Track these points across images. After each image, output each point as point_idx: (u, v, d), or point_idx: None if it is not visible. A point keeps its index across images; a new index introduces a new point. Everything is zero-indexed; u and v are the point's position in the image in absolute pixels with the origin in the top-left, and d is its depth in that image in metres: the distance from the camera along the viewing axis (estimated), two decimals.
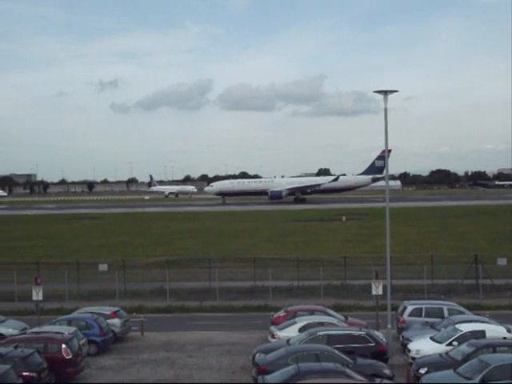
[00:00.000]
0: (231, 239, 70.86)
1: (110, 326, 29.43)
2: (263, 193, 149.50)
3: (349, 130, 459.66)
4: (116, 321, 30.41)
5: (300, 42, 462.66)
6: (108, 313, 30.66)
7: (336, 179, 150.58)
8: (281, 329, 27.80)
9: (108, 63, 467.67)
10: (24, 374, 21.26)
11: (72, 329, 26.73)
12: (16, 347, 22.79)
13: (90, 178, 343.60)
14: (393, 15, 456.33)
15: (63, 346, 23.82)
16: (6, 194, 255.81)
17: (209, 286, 41.04)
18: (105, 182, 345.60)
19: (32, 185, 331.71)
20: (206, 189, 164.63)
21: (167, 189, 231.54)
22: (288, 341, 25.05)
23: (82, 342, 26.08)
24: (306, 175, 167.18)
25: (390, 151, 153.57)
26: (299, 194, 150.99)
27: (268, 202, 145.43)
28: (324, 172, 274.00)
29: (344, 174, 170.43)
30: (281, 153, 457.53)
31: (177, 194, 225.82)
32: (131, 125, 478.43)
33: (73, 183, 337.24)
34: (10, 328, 29.88)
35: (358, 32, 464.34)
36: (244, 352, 27.67)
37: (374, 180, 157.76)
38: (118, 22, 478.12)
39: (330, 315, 29.32)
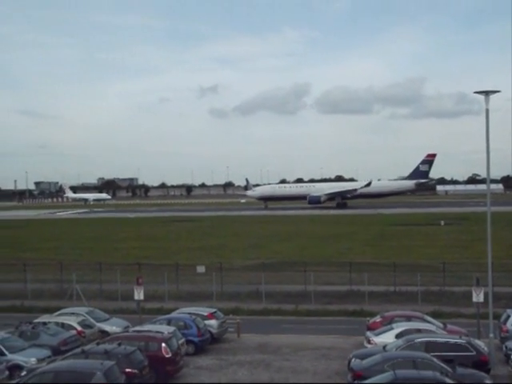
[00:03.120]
0: (326, 243, 70.56)
1: (207, 327, 30.10)
2: (304, 197, 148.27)
3: (449, 132, 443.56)
4: (213, 322, 31.04)
5: (399, 44, 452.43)
6: (205, 314, 31.36)
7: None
8: (377, 334, 27.43)
9: (208, 69, 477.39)
10: (127, 370, 22.06)
11: (171, 328, 27.56)
12: (119, 344, 23.65)
13: (188, 181, 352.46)
14: (496, 13, 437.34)
15: (163, 344, 24.59)
16: (110, 197, 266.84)
17: (304, 289, 41.07)
18: (202, 185, 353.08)
19: (134, 188, 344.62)
20: (249, 193, 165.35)
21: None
22: (384, 347, 24.67)
23: (180, 341, 26.85)
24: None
25: (434, 156, 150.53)
26: (339, 199, 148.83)
27: (310, 206, 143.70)
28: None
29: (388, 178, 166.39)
30: (377, 156, 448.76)
31: None
32: (229, 129, 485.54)
33: (172, 187, 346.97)
34: (113, 326, 31.31)
35: (459, 31, 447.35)
36: (339, 357, 27.49)
37: (418, 185, 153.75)
38: (216, 28, 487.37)
39: (428, 322, 28.64)
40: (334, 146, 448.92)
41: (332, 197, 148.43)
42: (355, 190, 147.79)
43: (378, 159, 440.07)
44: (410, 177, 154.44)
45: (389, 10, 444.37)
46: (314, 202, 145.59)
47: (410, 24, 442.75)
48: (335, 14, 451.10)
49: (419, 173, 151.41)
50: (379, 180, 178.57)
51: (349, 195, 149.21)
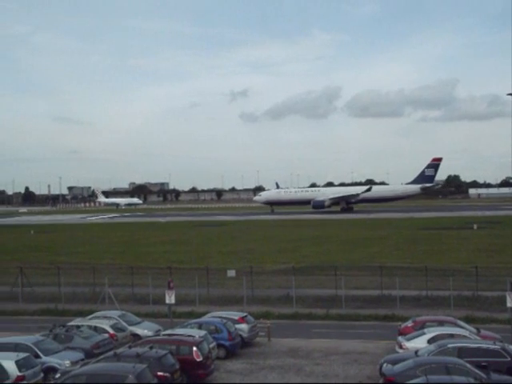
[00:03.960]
0: (355, 247, 70.21)
1: (238, 331, 30.16)
2: (309, 202, 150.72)
3: (481, 135, 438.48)
4: (244, 326, 31.09)
5: (430, 46, 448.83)
6: (236, 318, 31.42)
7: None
8: (409, 339, 27.18)
9: (238, 73, 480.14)
10: (158, 373, 22.23)
11: (202, 332, 27.69)
12: (151, 348, 23.82)
13: (218, 186, 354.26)
14: None
15: (194, 348, 24.70)
16: (141, 201, 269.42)
17: (335, 293, 40.89)
18: (232, 189, 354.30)
19: (165, 193, 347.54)
20: (256, 198, 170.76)
21: None
22: (416, 352, 24.44)
23: (211, 345, 26.95)
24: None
25: (440, 160, 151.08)
26: (344, 204, 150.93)
27: (315, 211, 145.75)
28: (454, 179, 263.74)
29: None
30: (409, 159, 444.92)
31: None
32: (259, 133, 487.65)
33: (202, 191, 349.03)
34: (145, 329, 31.55)
35: (491, 33, 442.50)
36: (371, 361, 27.31)
37: (423, 189, 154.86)
38: (247, 33, 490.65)
39: (460, 327, 28.26)
40: (365, 149, 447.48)
41: (336, 201, 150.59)
42: (357, 194, 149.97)
43: (409, 162, 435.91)
44: (416, 181, 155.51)
45: (418, 12, 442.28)
46: (318, 206, 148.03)
47: (441, 26, 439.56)
48: (365, 17, 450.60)
49: (425, 177, 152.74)
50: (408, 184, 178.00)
51: (353, 200, 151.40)
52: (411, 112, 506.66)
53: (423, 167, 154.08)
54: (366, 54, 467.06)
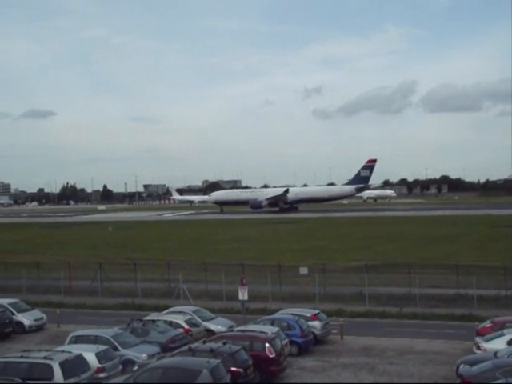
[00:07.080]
0: (431, 244, 68.71)
1: (310, 328, 30.14)
2: None
3: None
4: (316, 323, 31.04)
5: (509, 38, 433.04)
6: (309, 315, 31.41)
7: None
8: (487, 340, 26.42)
9: (312, 70, 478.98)
10: (232, 369, 22.49)
11: (275, 329, 27.80)
12: (224, 343, 24.10)
13: (290, 182, 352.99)
14: None
15: (267, 344, 24.86)
16: None
17: (409, 292, 40.20)
18: (305, 186, 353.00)
19: None
20: (206, 198, 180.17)
21: (365, 193, 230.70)
22: (495, 353, 23.72)
23: (284, 342, 27.04)
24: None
25: (375, 161, 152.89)
26: (282, 204, 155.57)
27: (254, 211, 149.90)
28: None
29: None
30: (485, 155, 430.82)
31: (375, 199, 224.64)
32: (332, 130, 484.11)
33: (274, 188, 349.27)
34: (219, 325, 32.03)
35: None
36: (446, 362, 26.70)
37: (358, 190, 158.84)
38: (319, 30, 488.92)
39: None
40: (440, 145, 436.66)
41: (274, 202, 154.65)
42: (284, 195, 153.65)
43: (486, 158, 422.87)
44: (352, 182, 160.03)
45: (496, 3, 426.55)
46: (255, 206, 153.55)
47: None
48: (440, 9, 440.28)
49: (360, 178, 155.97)
50: (487, 180, 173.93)
51: (288, 200, 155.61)
52: (490, 106, 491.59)
53: (359, 167, 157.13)
54: (442, 48, 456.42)
